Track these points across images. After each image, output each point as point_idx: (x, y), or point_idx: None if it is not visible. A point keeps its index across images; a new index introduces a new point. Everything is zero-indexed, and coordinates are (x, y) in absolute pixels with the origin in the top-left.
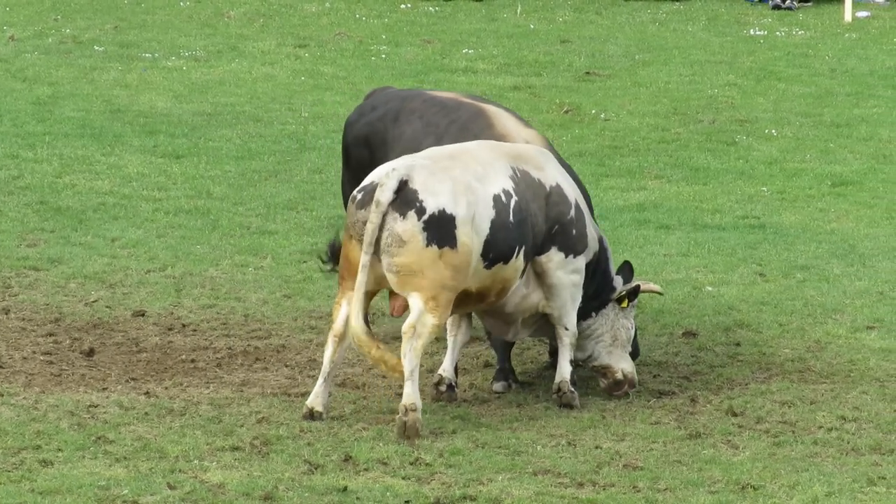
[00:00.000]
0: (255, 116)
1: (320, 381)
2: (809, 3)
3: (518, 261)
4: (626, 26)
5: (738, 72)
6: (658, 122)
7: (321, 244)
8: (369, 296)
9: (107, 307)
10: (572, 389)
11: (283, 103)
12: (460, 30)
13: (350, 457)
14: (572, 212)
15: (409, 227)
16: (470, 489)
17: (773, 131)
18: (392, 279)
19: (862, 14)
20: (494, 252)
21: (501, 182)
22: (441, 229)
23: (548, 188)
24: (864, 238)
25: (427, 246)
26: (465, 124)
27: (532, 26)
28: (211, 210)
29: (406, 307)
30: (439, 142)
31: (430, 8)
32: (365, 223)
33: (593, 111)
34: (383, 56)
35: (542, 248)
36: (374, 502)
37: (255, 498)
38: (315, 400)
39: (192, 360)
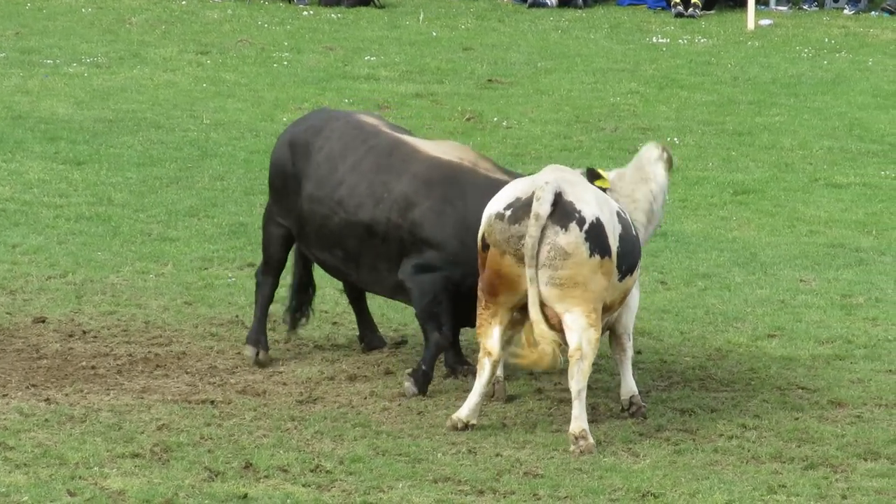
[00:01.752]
0: (157, 123)
1: (477, 398)
2: (712, 11)
3: (637, 272)
4: (528, 34)
5: (640, 80)
6: (560, 129)
7: (222, 251)
8: (512, 310)
9: (7, 313)
10: (643, 403)
11: (185, 110)
12: (363, 37)
13: (250, 464)
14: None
15: (572, 238)
16: (370, 496)
17: (676, 139)
18: (552, 292)
19: (765, 22)
20: (626, 264)
21: (613, 200)
22: (598, 238)
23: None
24: (766, 246)
25: (590, 257)
26: (388, 150)
27: (434, 34)
28: (112, 217)
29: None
30: (359, 164)
31: (333, 15)
32: (520, 238)
33: (495, 119)
34: (285, 63)
35: None
36: None
37: None
38: (471, 414)
39: (93, 367)
